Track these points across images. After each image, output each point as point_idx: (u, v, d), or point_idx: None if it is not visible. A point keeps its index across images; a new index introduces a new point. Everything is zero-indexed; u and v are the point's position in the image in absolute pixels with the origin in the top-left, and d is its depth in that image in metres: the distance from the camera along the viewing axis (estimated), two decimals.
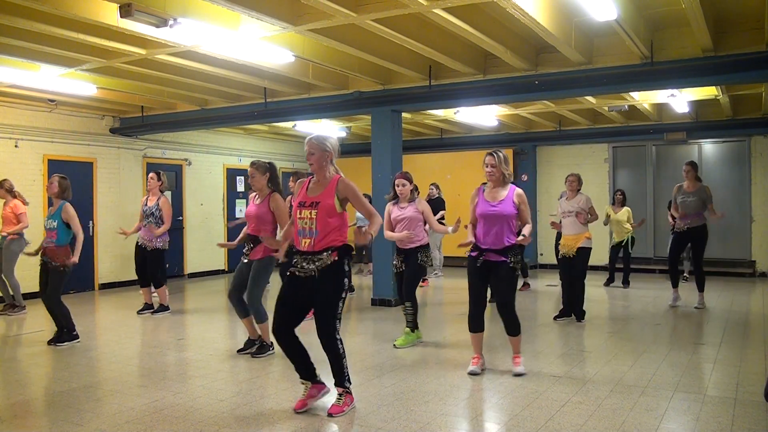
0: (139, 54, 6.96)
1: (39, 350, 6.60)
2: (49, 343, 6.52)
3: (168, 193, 12.33)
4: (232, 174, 13.93)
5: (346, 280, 4.21)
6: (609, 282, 10.82)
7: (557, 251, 7.85)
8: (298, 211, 4.22)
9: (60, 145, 10.55)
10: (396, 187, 6.27)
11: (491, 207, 5.11)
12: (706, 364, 5.56)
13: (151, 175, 8.39)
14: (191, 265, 12.80)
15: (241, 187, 14.01)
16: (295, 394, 4.82)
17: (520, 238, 4.94)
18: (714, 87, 8.87)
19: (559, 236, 8.05)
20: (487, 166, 5.17)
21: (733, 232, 12.43)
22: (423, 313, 8.68)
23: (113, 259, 11.22)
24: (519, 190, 5.18)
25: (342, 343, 4.24)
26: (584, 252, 7.40)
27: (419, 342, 6.38)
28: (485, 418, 4.38)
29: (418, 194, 6.60)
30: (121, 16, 5.35)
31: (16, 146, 9.92)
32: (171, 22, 5.56)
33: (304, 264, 4.16)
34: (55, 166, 10.33)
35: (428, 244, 6.37)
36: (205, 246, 12.98)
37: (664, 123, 12.09)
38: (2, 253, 8.44)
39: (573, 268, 7.44)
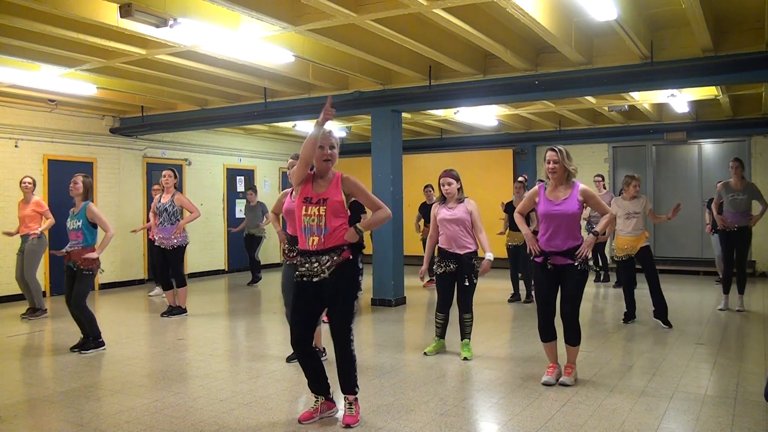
0: (139, 54, 6.96)
1: (39, 350, 6.60)
2: (73, 349, 6.23)
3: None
4: (232, 174, 13.93)
5: (360, 278, 4.03)
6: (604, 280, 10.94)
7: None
8: (304, 207, 3.96)
9: (60, 145, 10.55)
10: (441, 187, 5.78)
11: (554, 206, 4.78)
12: (706, 364, 5.56)
13: (168, 172, 8.07)
14: (191, 265, 12.79)
15: (241, 187, 14.01)
16: (295, 395, 4.83)
17: (589, 237, 4.76)
18: (714, 87, 8.87)
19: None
20: (549, 162, 4.78)
21: None
22: (421, 315, 8.67)
23: (114, 259, 11.21)
24: (583, 186, 4.85)
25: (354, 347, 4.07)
26: (647, 250, 7.31)
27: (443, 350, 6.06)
28: (485, 418, 4.37)
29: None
30: (121, 16, 5.35)
31: (16, 146, 9.93)
32: (171, 22, 5.55)
33: (311, 266, 3.93)
34: (55, 166, 10.34)
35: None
36: (205, 246, 12.99)
37: (664, 123, 12.09)
38: (24, 255, 8.18)
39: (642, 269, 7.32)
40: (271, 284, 11.72)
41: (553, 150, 4.80)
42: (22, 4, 5.45)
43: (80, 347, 6.23)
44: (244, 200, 12.45)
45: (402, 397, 4.65)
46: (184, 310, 8.21)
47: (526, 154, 13.98)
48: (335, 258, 3.89)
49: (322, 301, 4.00)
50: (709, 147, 12.80)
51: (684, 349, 6.10)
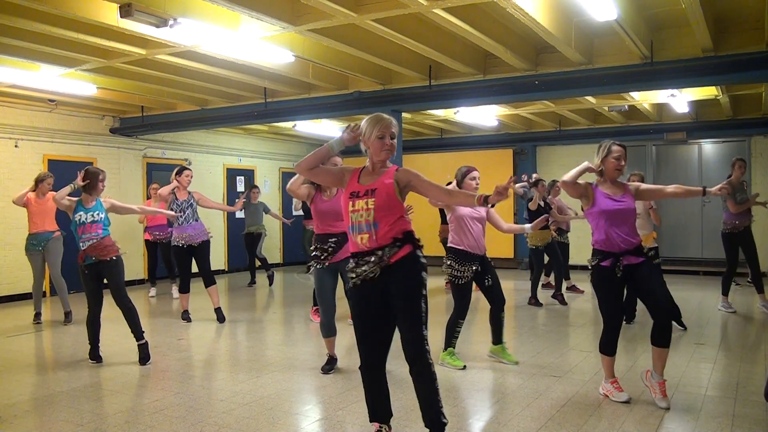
0: (139, 54, 6.97)
1: (39, 351, 6.60)
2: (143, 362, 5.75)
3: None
4: (232, 174, 13.93)
5: (424, 273, 3.42)
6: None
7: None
8: (351, 203, 3.46)
9: (60, 145, 10.55)
10: (471, 181, 5.46)
11: (616, 203, 4.49)
12: (706, 364, 5.56)
13: (190, 173, 7.86)
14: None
15: (241, 187, 14.01)
16: (296, 394, 4.82)
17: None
18: (714, 87, 8.87)
19: None
20: (620, 159, 4.49)
21: None
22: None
23: None
24: (633, 184, 4.74)
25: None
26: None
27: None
28: (485, 418, 4.37)
29: None
30: (121, 16, 5.36)
31: (16, 146, 9.92)
32: (171, 22, 5.56)
33: (359, 268, 3.43)
34: (55, 166, 10.32)
35: None
36: None
37: (664, 123, 12.09)
38: (47, 253, 7.77)
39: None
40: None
41: (622, 145, 4.55)
42: (22, 4, 5.45)
43: (144, 357, 5.74)
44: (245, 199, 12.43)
45: (402, 397, 4.65)
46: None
47: (526, 154, 13.99)
48: (393, 252, 3.37)
49: (387, 308, 3.44)
50: (709, 147, 12.80)
51: (684, 349, 6.10)
